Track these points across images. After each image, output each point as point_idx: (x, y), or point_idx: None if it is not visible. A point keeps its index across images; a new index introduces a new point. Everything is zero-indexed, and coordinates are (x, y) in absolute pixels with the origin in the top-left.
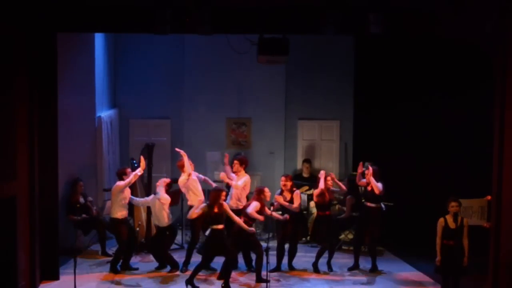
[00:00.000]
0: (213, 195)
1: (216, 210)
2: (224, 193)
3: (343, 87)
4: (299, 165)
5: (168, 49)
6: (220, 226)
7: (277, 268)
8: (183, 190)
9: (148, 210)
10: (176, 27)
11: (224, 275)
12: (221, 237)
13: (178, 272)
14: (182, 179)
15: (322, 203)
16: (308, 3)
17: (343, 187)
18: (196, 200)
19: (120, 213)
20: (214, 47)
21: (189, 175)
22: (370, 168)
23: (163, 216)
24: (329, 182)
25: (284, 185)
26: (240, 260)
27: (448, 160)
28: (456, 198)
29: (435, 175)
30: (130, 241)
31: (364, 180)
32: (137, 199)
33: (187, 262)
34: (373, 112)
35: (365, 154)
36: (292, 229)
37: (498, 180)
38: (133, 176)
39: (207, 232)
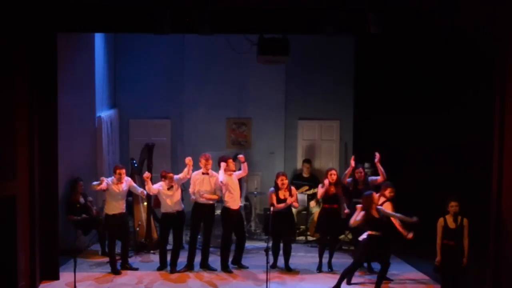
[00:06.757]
0: (365, 200)
1: (374, 214)
2: (375, 196)
3: (343, 87)
4: (299, 165)
5: (168, 49)
6: (377, 233)
7: (274, 265)
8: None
9: (148, 210)
10: (176, 27)
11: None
12: (378, 244)
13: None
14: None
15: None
16: (308, 3)
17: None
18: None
19: (105, 207)
20: (214, 47)
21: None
22: (377, 154)
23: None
24: (334, 176)
25: (283, 183)
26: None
27: (448, 160)
28: (456, 198)
29: (435, 175)
30: (125, 240)
31: (349, 180)
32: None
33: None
34: (373, 112)
35: (365, 154)
36: (285, 227)
37: (498, 180)
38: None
39: (362, 237)
